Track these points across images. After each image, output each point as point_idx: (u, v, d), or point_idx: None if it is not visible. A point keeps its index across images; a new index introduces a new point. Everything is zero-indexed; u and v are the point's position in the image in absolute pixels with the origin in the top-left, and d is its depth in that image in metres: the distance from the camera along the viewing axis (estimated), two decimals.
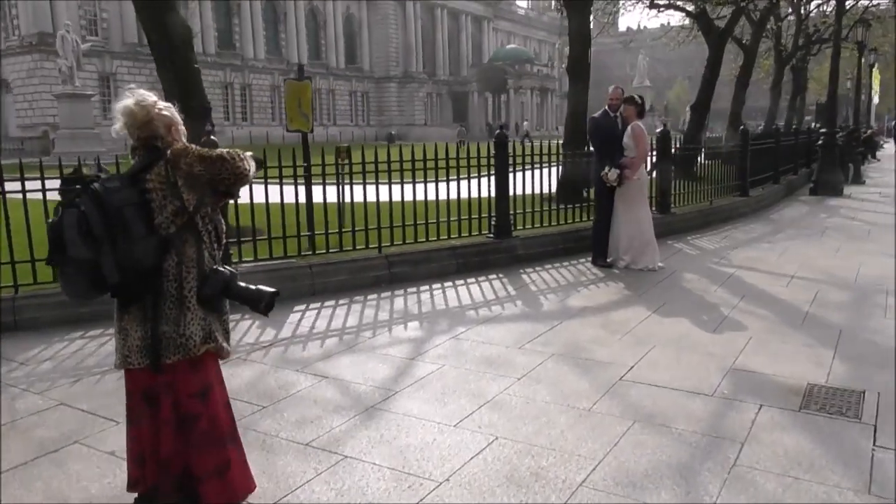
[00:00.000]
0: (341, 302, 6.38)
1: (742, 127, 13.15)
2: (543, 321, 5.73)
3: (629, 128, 7.57)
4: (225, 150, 2.64)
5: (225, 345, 2.80)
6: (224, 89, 59.64)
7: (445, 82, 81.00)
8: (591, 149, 8.17)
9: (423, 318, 5.90)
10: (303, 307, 6.19)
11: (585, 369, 4.62)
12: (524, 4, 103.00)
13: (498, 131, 7.99)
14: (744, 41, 23.20)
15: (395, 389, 4.28)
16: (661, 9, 19.56)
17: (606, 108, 7.82)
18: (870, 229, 10.47)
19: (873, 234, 10.03)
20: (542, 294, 6.70)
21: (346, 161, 8.26)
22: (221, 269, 2.69)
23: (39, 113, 44.80)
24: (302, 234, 7.21)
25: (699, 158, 13.75)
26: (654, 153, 9.99)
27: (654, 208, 9.91)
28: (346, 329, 5.58)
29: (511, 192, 8.23)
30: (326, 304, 6.33)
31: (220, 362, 2.91)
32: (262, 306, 2.68)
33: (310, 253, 7.19)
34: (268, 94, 63.47)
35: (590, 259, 8.01)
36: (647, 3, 17.73)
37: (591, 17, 13.46)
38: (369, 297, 6.57)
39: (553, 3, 15.54)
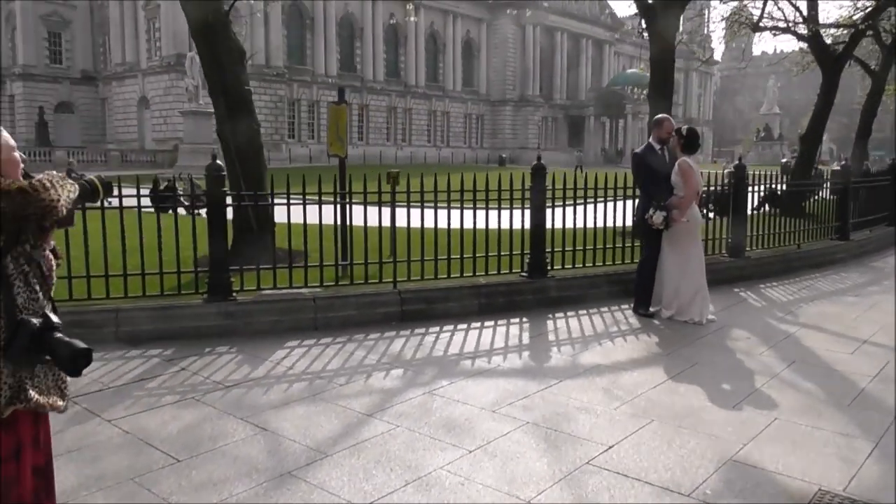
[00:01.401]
0: (338, 340, 6.03)
1: (844, 162, 11.76)
2: (540, 379, 5.12)
3: (676, 164, 6.80)
4: (31, 181, 2.35)
5: (49, 400, 2.49)
6: None
7: (562, 106, 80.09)
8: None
9: (411, 365, 5.44)
10: (295, 343, 5.90)
11: (554, 446, 3.99)
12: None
13: (536, 162, 7.40)
14: (872, 66, 21.15)
15: (327, 452, 3.85)
16: (772, 32, 18.09)
17: (651, 140, 7.07)
18: None
19: None
20: (557, 345, 6.07)
21: (394, 188, 8.11)
22: (30, 320, 2.38)
23: (171, 128, 48.10)
24: (331, 263, 7.01)
25: (822, 193, 12.48)
26: (729, 189, 9.07)
27: (724, 251, 8.99)
28: (322, 372, 5.22)
29: (560, 226, 7.66)
30: (322, 341, 6.00)
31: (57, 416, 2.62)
32: (66, 364, 2.36)
33: (347, 283, 6.91)
34: (384, 115, 65.21)
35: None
36: (751, 26, 16.40)
37: (679, 38, 12.53)
38: (371, 335, 6.19)
39: (635, 26, 14.32)
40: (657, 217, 6.73)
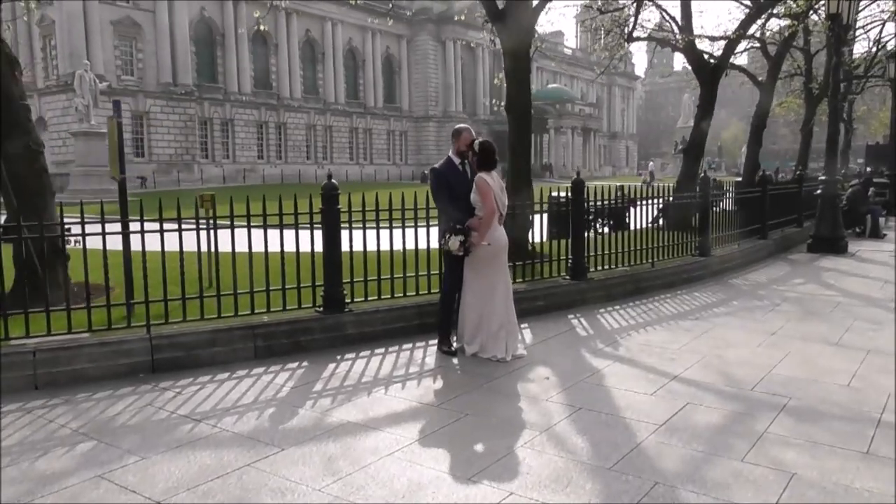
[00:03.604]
0: (51, 402, 4.97)
1: (703, 174, 11.33)
2: (260, 448, 4.18)
3: (474, 182, 6.03)
4: None
5: None
6: (259, 128, 60.19)
7: (486, 122, 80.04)
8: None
9: (112, 434, 4.42)
10: None
11: None
12: (571, 44, 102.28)
13: (326, 181, 6.50)
14: (759, 79, 21.32)
15: None
16: (660, 45, 17.85)
17: (450, 155, 6.28)
18: (840, 302, 8.49)
19: (839, 310, 8.08)
20: (317, 397, 5.14)
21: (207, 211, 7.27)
22: None
23: (70, 150, 45.50)
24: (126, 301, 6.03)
25: (724, 204, 12.15)
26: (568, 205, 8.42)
27: (565, 273, 8.30)
28: None
29: (375, 252, 6.81)
30: (30, 405, 4.92)
31: None
32: None
33: (83, 329, 5.83)
34: (303, 133, 63.83)
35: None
36: (624, 37, 16.08)
37: (534, 52, 11.94)
38: (97, 395, 5.14)
39: (489, 37, 13.33)
40: (453, 242, 5.92)
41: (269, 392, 5.25)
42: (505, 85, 11.00)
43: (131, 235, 6.04)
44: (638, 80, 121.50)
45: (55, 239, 7.14)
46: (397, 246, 7.01)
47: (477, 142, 6.09)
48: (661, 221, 11.61)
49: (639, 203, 10.87)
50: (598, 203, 9.16)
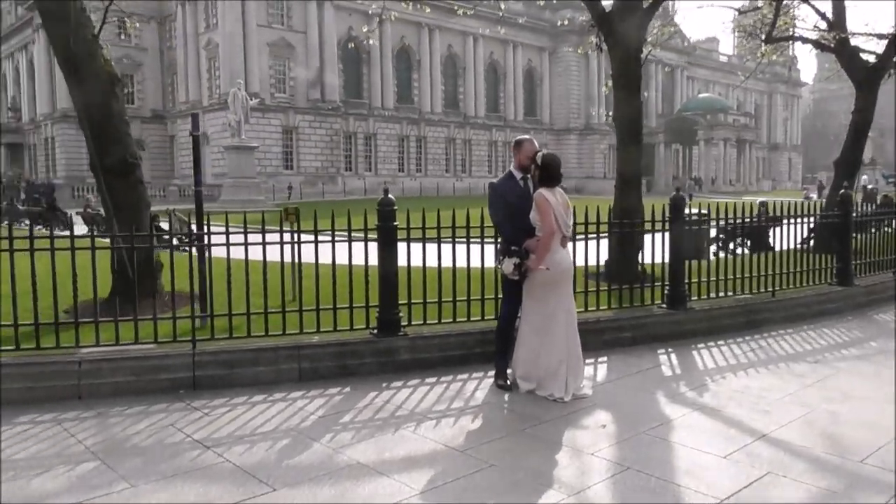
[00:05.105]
0: (85, 415, 4.94)
1: (843, 190, 9.77)
2: (254, 484, 3.83)
3: (534, 199, 5.40)
4: None
5: None
6: (400, 142, 61.84)
7: None
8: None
9: (120, 456, 4.24)
10: (27, 419, 4.83)
11: None
12: (727, 51, 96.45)
13: (383, 196, 6.12)
14: None
15: None
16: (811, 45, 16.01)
17: (511, 169, 5.69)
18: None
19: None
20: (341, 430, 4.72)
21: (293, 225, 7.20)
22: None
23: (226, 163, 49.04)
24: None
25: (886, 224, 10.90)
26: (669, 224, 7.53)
27: (661, 301, 7.42)
28: None
29: (435, 272, 6.37)
30: (64, 416, 4.90)
31: None
32: None
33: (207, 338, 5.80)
34: (442, 146, 64.81)
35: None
36: (763, 38, 14.49)
37: (645, 57, 10.95)
38: (131, 409, 5.05)
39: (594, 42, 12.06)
40: (507, 264, 5.35)
41: (294, 420, 4.91)
42: (650, 95, 10.27)
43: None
44: (804, 87, 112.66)
45: (148, 250, 7.45)
46: (462, 265, 6.50)
47: (540, 154, 5.46)
48: (811, 243, 10.26)
49: (787, 221, 9.29)
50: (727, 221, 8.20)
